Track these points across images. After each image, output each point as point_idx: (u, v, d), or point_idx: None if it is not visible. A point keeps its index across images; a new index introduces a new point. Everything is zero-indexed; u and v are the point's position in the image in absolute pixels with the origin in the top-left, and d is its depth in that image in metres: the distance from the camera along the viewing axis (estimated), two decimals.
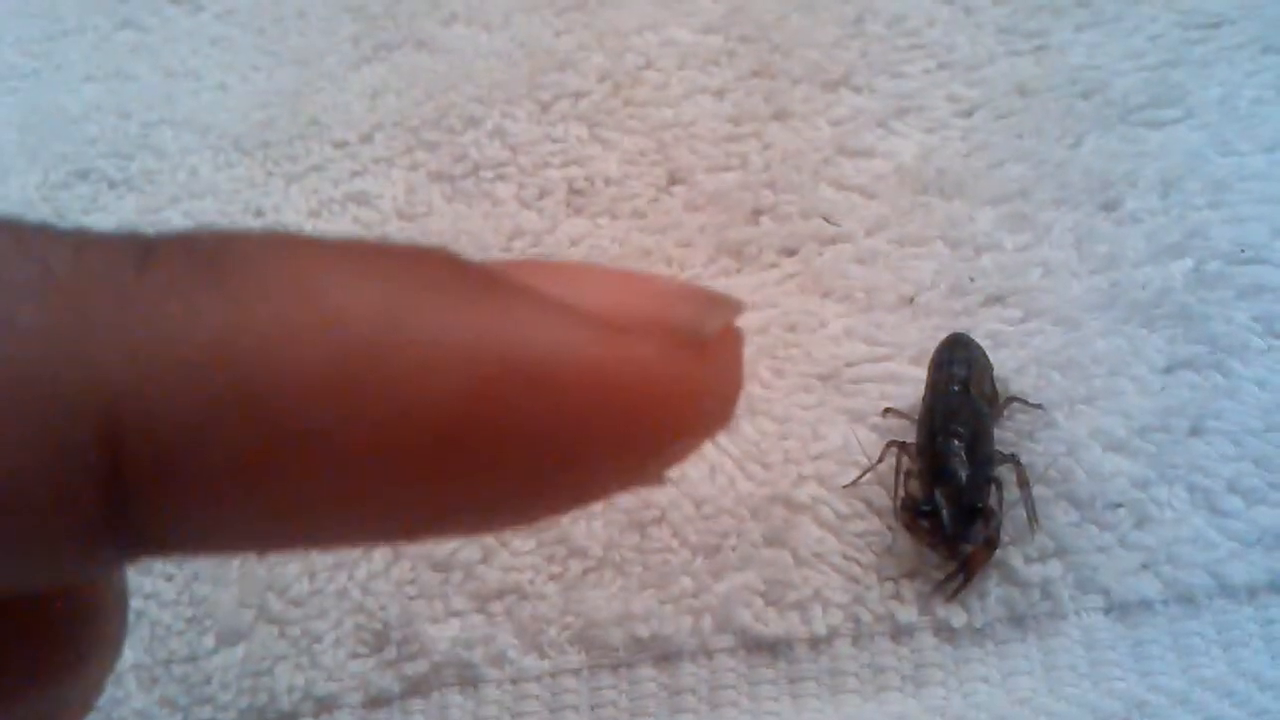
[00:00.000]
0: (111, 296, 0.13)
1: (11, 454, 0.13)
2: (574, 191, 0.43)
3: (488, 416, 0.14)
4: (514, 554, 0.34)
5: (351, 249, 0.15)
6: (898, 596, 0.30)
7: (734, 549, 0.32)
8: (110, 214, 0.47)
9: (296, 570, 0.35)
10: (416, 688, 0.32)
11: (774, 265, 0.39)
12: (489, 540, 0.34)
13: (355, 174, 0.45)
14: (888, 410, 0.34)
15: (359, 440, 0.14)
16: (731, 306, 0.16)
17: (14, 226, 0.14)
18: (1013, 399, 0.33)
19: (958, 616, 0.30)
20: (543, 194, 0.43)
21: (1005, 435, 0.33)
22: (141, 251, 0.14)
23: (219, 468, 0.14)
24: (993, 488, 0.30)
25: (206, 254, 0.14)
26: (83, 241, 0.14)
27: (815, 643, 0.30)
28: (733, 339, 0.16)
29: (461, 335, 0.14)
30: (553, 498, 0.16)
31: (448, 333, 0.14)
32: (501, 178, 0.44)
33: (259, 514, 0.15)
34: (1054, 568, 0.30)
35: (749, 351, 0.36)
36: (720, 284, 0.39)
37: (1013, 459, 0.31)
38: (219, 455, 0.14)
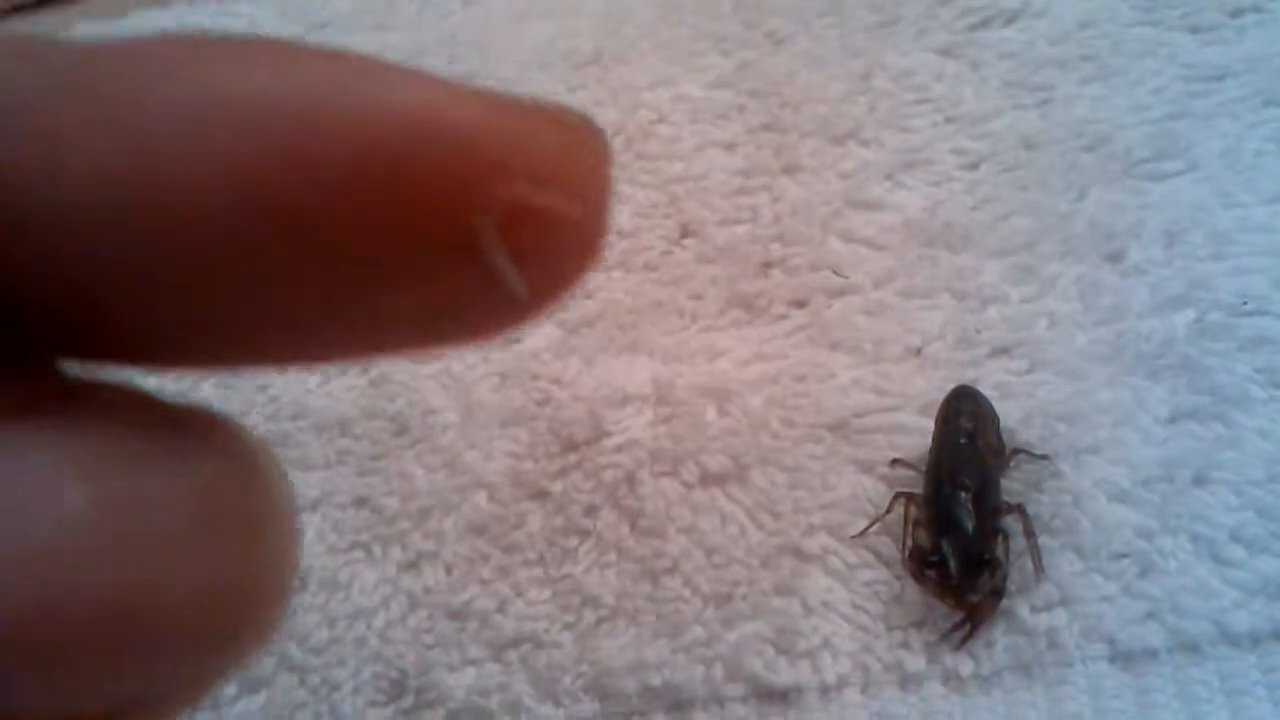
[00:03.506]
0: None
1: None
2: None
3: (383, 182, 0.13)
4: (529, 603, 0.34)
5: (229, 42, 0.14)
6: (906, 645, 0.31)
7: (745, 598, 0.33)
8: None
9: (316, 619, 0.35)
10: None
11: (784, 317, 0.40)
12: (505, 590, 0.35)
13: None
14: (895, 461, 0.34)
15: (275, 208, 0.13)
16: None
17: None
18: (1018, 450, 0.33)
19: (965, 665, 0.30)
20: None
21: (1012, 486, 0.33)
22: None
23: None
24: (999, 538, 0.31)
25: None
26: None
27: (825, 691, 0.31)
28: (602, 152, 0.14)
29: (351, 97, 0.13)
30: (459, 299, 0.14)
31: (337, 96, 0.13)
32: None
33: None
34: (1059, 617, 0.30)
35: (760, 402, 0.37)
36: (732, 335, 0.40)
37: (1019, 509, 0.32)
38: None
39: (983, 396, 0.34)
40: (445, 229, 0.14)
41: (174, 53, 0.13)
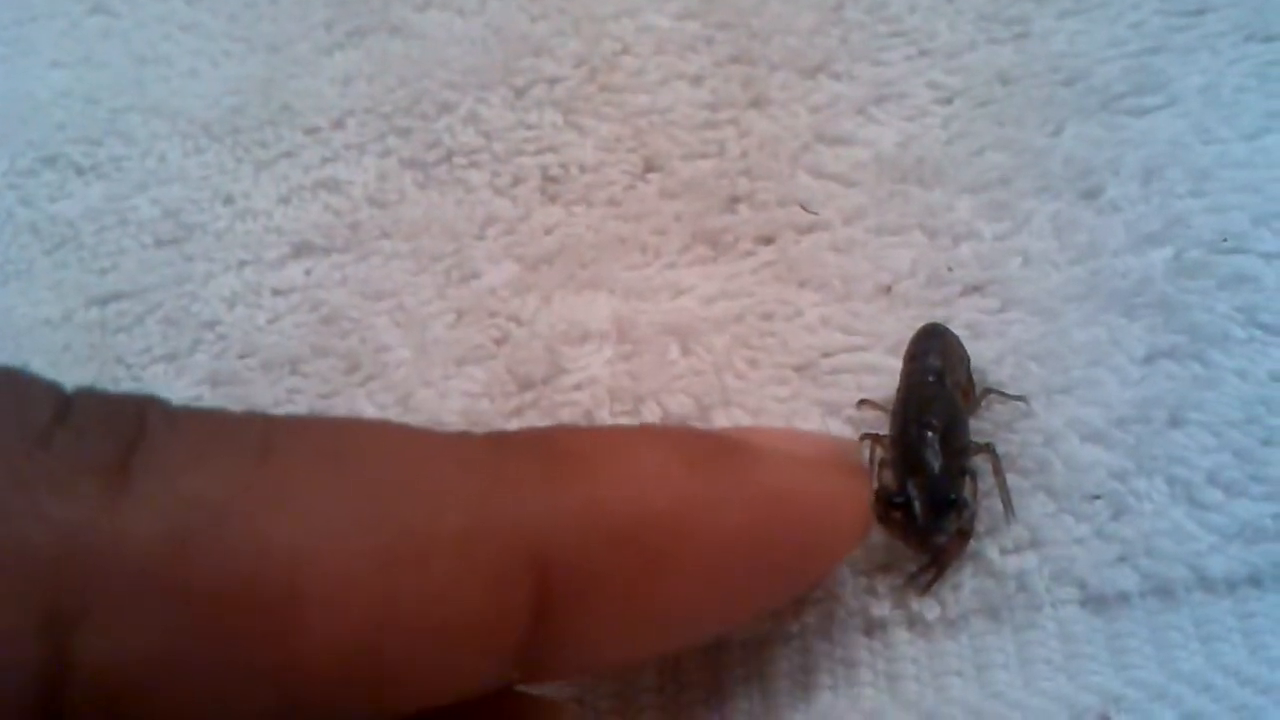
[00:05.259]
0: (524, 476, 0.19)
1: (468, 586, 0.18)
2: (548, 179, 0.42)
3: (766, 533, 0.22)
4: None
5: (638, 434, 0.23)
6: (871, 590, 0.30)
7: None
8: (77, 201, 0.46)
9: None
10: None
11: (750, 253, 0.38)
12: None
13: (326, 160, 0.45)
14: (863, 402, 0.33)
15: (689, 561, 0.21)
16: (854, 447, 0.29)
17: (452, 440, 0.20)
18: (990, 390, 0.32)
19: (931, 609, 0.29)
20: (516, 181, 0.42)
21: (982, 426, 0.32)
22: (501, 446, 0.20)
23: (607, 591, 0.20)
24: (967, 478, 0.30)
25: (541, 446, 0.20)
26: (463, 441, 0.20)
27: (788, 638, 0.30)
28: (863, 472, 0.27)
29: (740, 487, 0.22)
30: (779, 594, 0.26)
31: (731, 486, 0.22)
32: (475, 165, 0.43)
33: (624, 631, 0.21)
34: (1029, 559, 0.29)
35: (724, 341, 0.36)
36: (696, 272, 0.38)
37: (988, 448, 0.30)
38: (608, 581, 0.20)
39: (952, 334, 0.33)
40: (814, 576, 0.27)
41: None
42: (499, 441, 0.20)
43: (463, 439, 0.20)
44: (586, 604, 0.20)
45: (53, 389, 0.17)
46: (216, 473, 0.16)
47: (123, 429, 0.16)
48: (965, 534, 0.29)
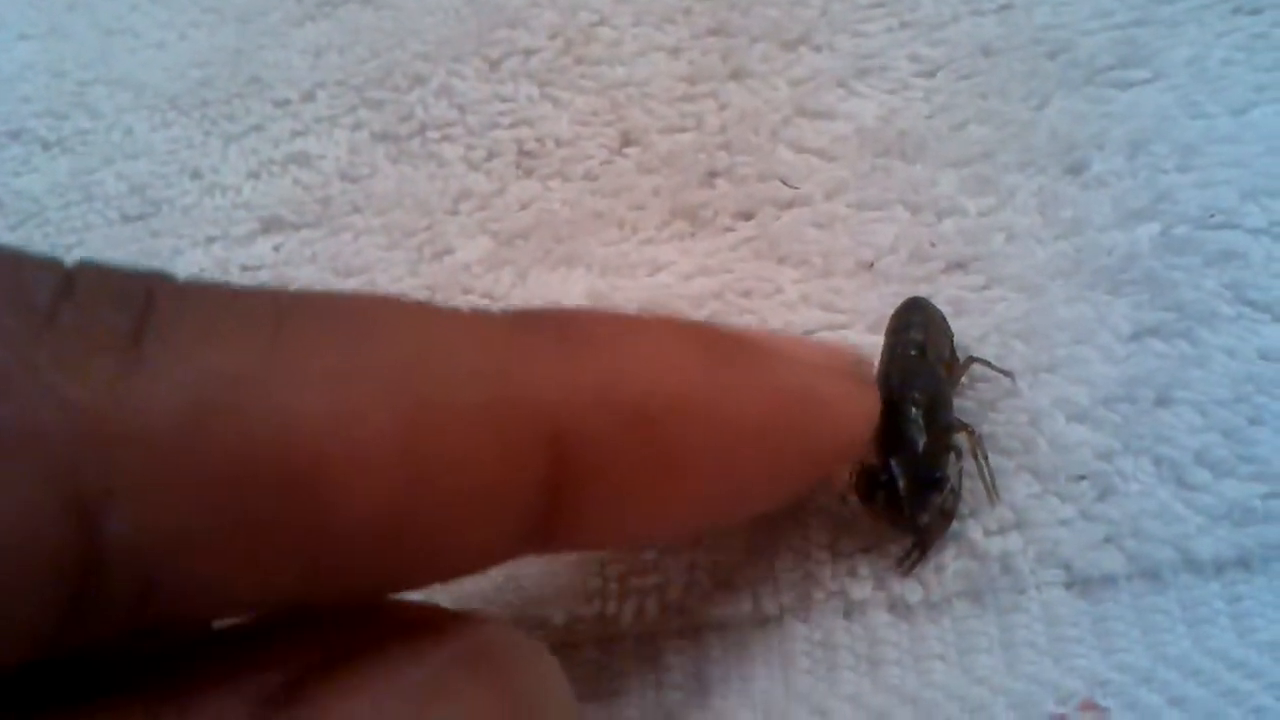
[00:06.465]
0: (543, 353, 0.19)
1: (486, 457, 0.18)
2: (524, 153, 0.41)
3: (778, 427, 0.23)
4: None
5: (658, 322, 0.23)
6: (851, 572, 0.29)
7: None
8: (43, 175, 0.45)
9: None
10: None
11: (729, 229, 0.38)
12: None
13: (296, 134, 0.44)
14: None
15: (699, 446, 0.21)
16: (865, 361, 0.29)
17: (463, 317, 0.20)
18: (975, 359, 0.31)
19: (914, 592, 0.28)
20: (491, 155, 0.42)
21: (965, 404, 0.31)
22: (521, 323, 0.20)
23: (620, 470, 0.20)
24: (951, 455, 0.29)
25: (561, 325, 0.20)
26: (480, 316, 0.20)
27: (766, 621, 0.29)
28: (872, 382, 0.28)
29: (754, 380, 0.23)
30: (781, 489, 0.26)
31: (747, 378, 0.22)
32: (448, 138, 0.42)
33: (635, 510, 0.21)
34: (1014, 541, 0.28)
35: (703, 318, 0.35)
36: (674, 248, 0.38)
37: (968, 429, 0.30)
38: (621, 459, 0.20)
39: (935, 308, 0.32)
40: (817, 475, 0.28)
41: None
42: (518, 318, 0.20)
43: (482, 315, 0.20)
44: (600, 482, 0.20)
45: (53, 264, 0.16)
46: (232, 344, 0.16)
47: (131, 303, 0.16)
48: (948, 514, 0.29)
